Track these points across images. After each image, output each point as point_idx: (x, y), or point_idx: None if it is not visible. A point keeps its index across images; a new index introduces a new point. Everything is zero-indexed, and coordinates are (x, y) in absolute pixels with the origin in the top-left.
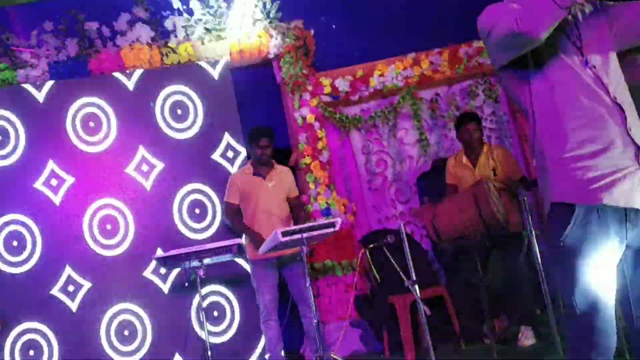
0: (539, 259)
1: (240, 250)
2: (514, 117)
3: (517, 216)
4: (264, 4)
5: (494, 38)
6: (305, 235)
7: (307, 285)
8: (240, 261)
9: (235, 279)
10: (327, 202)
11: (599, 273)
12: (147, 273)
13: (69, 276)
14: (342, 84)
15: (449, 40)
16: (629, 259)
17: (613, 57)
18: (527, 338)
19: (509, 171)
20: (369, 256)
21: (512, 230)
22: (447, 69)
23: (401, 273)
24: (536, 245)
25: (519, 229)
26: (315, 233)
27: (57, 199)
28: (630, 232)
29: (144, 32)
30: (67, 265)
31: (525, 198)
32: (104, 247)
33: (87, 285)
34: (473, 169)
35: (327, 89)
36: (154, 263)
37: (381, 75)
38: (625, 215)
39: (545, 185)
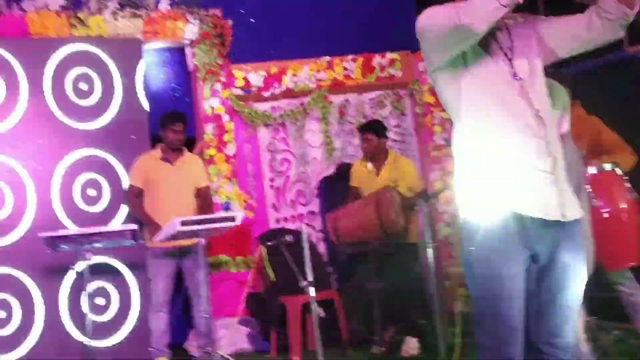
0: (432, 270)
1: (134, 237)
2: (417, 131)
3: (415, 227)
4: None
5: (434, 33)
6: (204, 226)
7: (204, 278)
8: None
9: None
10: (227, 197)
11: (506, 281)
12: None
13: None
14: (255, 79)
15: (364, 49)
16: (534, 271)
17: (540, 71)
18: (411, 348)
19: (411, 183)
20: (265, 254)
21: (410, 240)
22: (359, 76)
23: (297, 273)
24: (431, 257)
25: (416, 239)
26: (215, 225)
27: None
28: (538, 244)
29: None
30: None
31: (425, 209)
32: None
33: None
34: (376, 176)
35: (240, 82)
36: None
37: (294, 74)
38: (536, 225)
39: (462, 190)
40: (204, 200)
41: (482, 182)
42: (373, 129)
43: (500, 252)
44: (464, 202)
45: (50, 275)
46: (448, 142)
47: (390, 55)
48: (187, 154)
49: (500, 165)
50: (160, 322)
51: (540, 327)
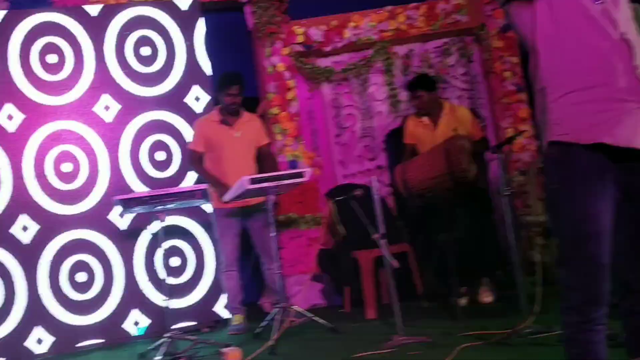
0: (509, 219)
1: (204, 197)
2: (486, 78)
3: (485, 174)
4: None
5: None
6: (273, 183)
7: (272, 235)
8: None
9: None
10: (294, 154)
11: (593, 218)
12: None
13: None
14: (316, 34)
15: None
16: (622, 203)
17: None
18: (487, 295)
19: (470, 132)
20: (335, 209)
21: (481, 188)
22: (423, 24)
23: (368, 227)
24: (507, 205)
25: (484, 185)
26: (283, 182)
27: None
28: (627, 175)
29: None
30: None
31: (500, 157)
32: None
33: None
34: (434, 129)
35: (300, 38)
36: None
37: (356, 27)
38: (624, 156)
39: (544, 123)
40: (267, 157)
41: (564, 113)
42: (422, 84)
43: (585, 187)
44: (545, 137)
45: (128, 237)
46: (519, 87)
47: (454, 0)
48: (245, 114)
49: (583, 94)
50: (232, 280)
51: (635, 265)
